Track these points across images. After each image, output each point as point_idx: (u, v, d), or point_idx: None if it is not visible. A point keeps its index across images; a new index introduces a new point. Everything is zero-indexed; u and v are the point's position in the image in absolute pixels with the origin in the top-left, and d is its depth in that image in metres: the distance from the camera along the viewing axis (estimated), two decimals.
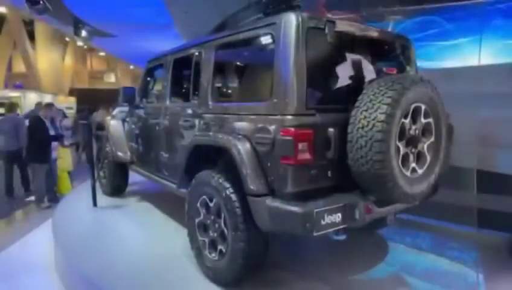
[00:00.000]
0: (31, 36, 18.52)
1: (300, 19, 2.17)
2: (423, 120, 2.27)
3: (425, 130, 2.30)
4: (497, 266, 2.90)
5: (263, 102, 2.34)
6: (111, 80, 29.14)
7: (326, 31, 2.27)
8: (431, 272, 2.83)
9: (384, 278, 2.71)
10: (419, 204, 2.48)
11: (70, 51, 23.43)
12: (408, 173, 2.21)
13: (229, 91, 3.33)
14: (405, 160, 2.20)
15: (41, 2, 6.63)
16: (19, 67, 21.30)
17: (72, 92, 22.17)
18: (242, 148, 2.30)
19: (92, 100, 14.98)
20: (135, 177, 4.63)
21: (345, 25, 2.40)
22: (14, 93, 15.01)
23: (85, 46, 22.60)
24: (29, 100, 15.96)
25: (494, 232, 3.47)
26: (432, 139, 2.33)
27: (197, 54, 3.11)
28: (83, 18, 10.03)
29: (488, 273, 2.79)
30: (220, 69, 3.10)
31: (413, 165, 2.26)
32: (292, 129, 2.08)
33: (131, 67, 28.98)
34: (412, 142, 2.23)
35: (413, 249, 3.30)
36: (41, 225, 4.63)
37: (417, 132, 2.24)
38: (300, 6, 2.50)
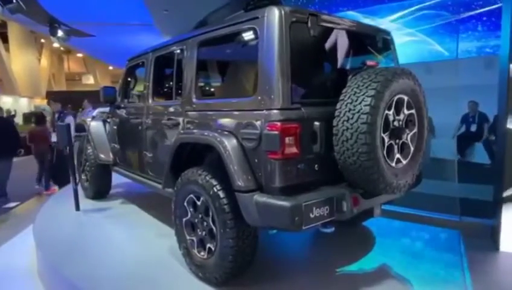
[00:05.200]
0: (4, 38, 17.88)
1: (283, 13, 2.16)
2: (406, 111, 2.31)
3: (409, 121, 2.35)
4: (479, 251, 3.00)
5: (248, 97, 2.33)
6: (89, 81, 28.45)
7: (309, 24, 2.28)
8: (417, 260, 2.88)
9: (372, 269, 2.75)
10: (404, 194, 2.54)
11: (46, 53, 22.77)
12: (393, 164, 2.25)
13: (213, 88, 3.30)
14: (390, 151, 2.24)
15: (14, 0, 6.38)
16: None
17: (49, 95, 21.56)
18: (228, 145, 2.28)
19: (70, 103, 14.61)
20: (119, 179, 4.54)
21: (328, 18, 2.42)
22: None
23: (61, 48, 21.98)
24: (5, 105, 15.44)
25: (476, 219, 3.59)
26: (415, 130, 2.37)
27: (179, 51, 3.06)
28: (58, 17, 9.73)
29: (472, 259, 2.87)
30: (203, 66, 3.06)
31: (398, 156, 2.30)
32: (278, 124, 2.08)
33: (111, 68, 28.37)
34: (396, 133, 2.26)
35: (399, 239, 3.36)
36: (23, 230, 4.48)
37: (401, 123, 2.29)
38: (281, 2, 2.50)
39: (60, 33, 10.13)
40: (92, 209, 4.29)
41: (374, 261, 2.86)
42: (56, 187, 6.84)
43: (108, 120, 4.40)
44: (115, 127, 4.23)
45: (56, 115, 7.00)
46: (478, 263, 2.85)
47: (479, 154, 5.50)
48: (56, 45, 18.08)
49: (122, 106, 4.08)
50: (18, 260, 3.69)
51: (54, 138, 6.57)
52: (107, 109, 4.43)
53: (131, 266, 2.85)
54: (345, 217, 2.22)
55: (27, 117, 15.47)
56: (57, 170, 6.81)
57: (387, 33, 2.94)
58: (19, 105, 17.00)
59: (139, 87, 4.03)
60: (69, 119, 6.81)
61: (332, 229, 2.27)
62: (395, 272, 2.70)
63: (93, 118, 4.56)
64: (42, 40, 21.03)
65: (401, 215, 3.74)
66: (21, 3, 6.59)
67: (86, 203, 4.45)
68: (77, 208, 4.23)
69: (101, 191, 4.65)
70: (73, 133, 5.49)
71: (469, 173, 4.29)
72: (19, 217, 5.17)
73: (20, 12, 6.93)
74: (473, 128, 5.83)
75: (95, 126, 4.45)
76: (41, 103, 18.58)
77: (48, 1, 8.26)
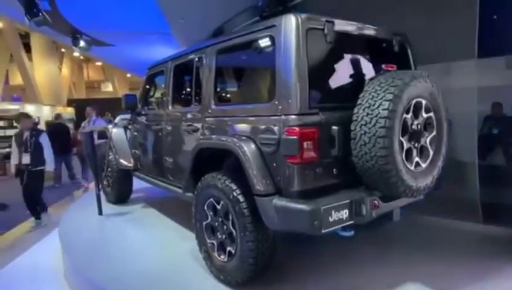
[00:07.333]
0: (27, 48, 18.59)
1: (300, 20, 2.22)
2: (424, 115, 2.31)
3: (427, 125, 2.35)
4: (502, 260, 2.93)
5: (266, 103, 2.39)
6: (108, 89, 29.13)
7: (326, 31, 2.33)
8: (437, 267, 2.85)
9: (390, 274, 2.73)
10: (423, 199, 2.53)
11: (66, 62, 23.51)
12: (412, 168, 2.25)
13: (232, 94, 3.38)
14: (409, 155, 2.25)
15: (40, 14, 6.72)
16: (16, 79, 21.35)
17: (70, 102, 22.21)
18: (247, 150, 2.34)
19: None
20: (139, 184, 4.66)
21: (344, 24, 2.46)
22: (12, 106, 15.02)
23: (81, 57, 22.68)
24: (28, 112, 16.00)
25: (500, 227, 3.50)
26: (434, 133, 2.37)
27: (198, 58, 3.15)
28: (80, 28, 10.11)
29: (494, 268, 2.81)
30: (222, 73, 3.15)
31: (417, 159, 2.30)
32: (297, 128, 2.13)
33: (128, 75, 29.04)
34: (414, 136, 2.28)
35: (419, 245, 3.32)
36: (49, 234, 4.66)
37: (419, 126, 2.29)
38: (297, 8, 2.56)
39: (81, 43, 10.51)
40: (114, 214, 4.42)
41: (393, 268, 2.84)
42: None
43: (129, 127, 4.54)
44: (136, 134, 4.36)
45: (26, 134, 5.13)
46: (501, 271, 2.78)
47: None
48: (76, 54, 18.69)
49: (143, 112, 4.21)
50: (45, 262, 3.84)
51: (25, 160, 5.04)
52: (128, 116, 4.58)
53: (154, 268, 2.93)
54: (363, 220, 2.24)
55: (50, 125, 15.99)
56: (27, 198, 5.17)
57: (404, 36, 2.94)
58: (42, 113, 17.58)
59: (159, 95, 4.15)
60: (43, 138, 5.26)
61: (352, 233, 2.29)
62: (414, 279, 2.67)
63: (115, 125, 4.72)
64: (63, 50, 21.73)
65: (421, 220, 3.70)
66: (47, 16, 6.91)
67: (108, 207, 4.59)
68: (100, 212, 4.37)
69: (122, 196, 4.79)
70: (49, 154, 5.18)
71: (491, 177, 4.19)
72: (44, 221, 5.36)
73: (46, 25, 7.25)
74: (495, 130, 5.72)
75: (117, 133, 4.60)
76: (63, 111, 19.16)
77: (71, 13, 8.64)
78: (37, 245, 4.44)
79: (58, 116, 9.58)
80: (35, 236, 4.77)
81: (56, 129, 8.39)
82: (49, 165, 5.29)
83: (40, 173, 5.17)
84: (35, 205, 5.26)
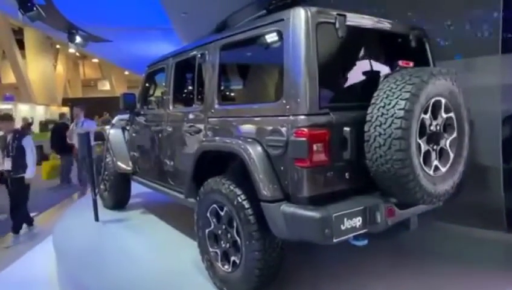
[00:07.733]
0: (21, 45, 18.81)
1: (309, 14, 2.21)
2: (444, 115, 2.29)
3: (447, 126, 2.33)
4: None
5: (274, 102, 2.38)
6: (105, 87, 29.35)
7: (337, 25, 2.31)
8: (459, 278, 2.82)
9: (407, 287, 2.71)
10: (443, 205, 2.50)
11: (61, 59, 23.75)
12: (431, 172, 2.23)
13: (236, 93, 3.38)
14: (427, 158, 2.22)
15: (34, 8, 6.81)
16: (9, 78, 21.61)
17: (65, 102, 22.42)
18: (253, 152, 2.34)
19: (86, 110, 15.15)
20: (138, 188, 4.68)
21: (356, 18, 2.44)
22: (5, 106, 15.23)
23: (77, 53, 22.90)
24: (21, 112, 16.23)
25: None
26: (454, 135, 2.35)
27: (200, 55, 3.16)
28: (76, 23, 10.23)
29: None
30: (226, 70, 3.14)
31: (436, 163, 2.28)
32: (306, 130, 2.11)
33: (126, 73, 29.25)
34: (433, 138, 2.25)
35: (437, 255, 3.28)
36: (43, 240, 4.70)
37: (438, 127, 2.27)
38: (306, 1, 2.55)
39: (78, 39, 10.63)
40: (111, 220, 4.44)
41: (410, 279, 2.81)
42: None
43: (128, 128, 4.56)
44: (134, 135, 4.38)
45: (9, 136, 5.07)
46: None
47: None
48: (72, 50, 18.89)
49: (142, 113, 4.23)
50: (39, 269, 3.88)
51: (7, 165, 5.00)
52: (126, 116, 4.60)
53: (153, 278, 2.93)
54: (378, 229, 2.21)
55: (44, 125, 16.22)
56: (12, 208, 5.14)
57: (422, 31, 2.92)
58: (35, 113, 17.78)
59: (159, 94, 4.16)
60: (27, 141, 5.10)
61: (365, 242, 2.27)
62: None
63: (113, 125, 4.74)
64: (58, 46, 21.96)
65: (440, 228, 3.66)
66: (41, 10, 7.00)
67: (104, 213, 4.61)
68: (96, 218, 4.39)
69: (120, 201, 4.81)
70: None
71: None
72: (38, 227, 5.40)
73: (40, 20, 7.34)
74: None
75: (114, 134, 4.62)
76: (57, 110, 19.39)
77: (67, 7, 8.74)
78: (30, 252, 4.47)
79: (62, 115, 10.47)
80: (29, 243, 4.81)
81: (59, 129, 8.96)
82: (29, 173, 4.99)
83: (23, 179, 4.98)
84: (18, 216, 5.08)
